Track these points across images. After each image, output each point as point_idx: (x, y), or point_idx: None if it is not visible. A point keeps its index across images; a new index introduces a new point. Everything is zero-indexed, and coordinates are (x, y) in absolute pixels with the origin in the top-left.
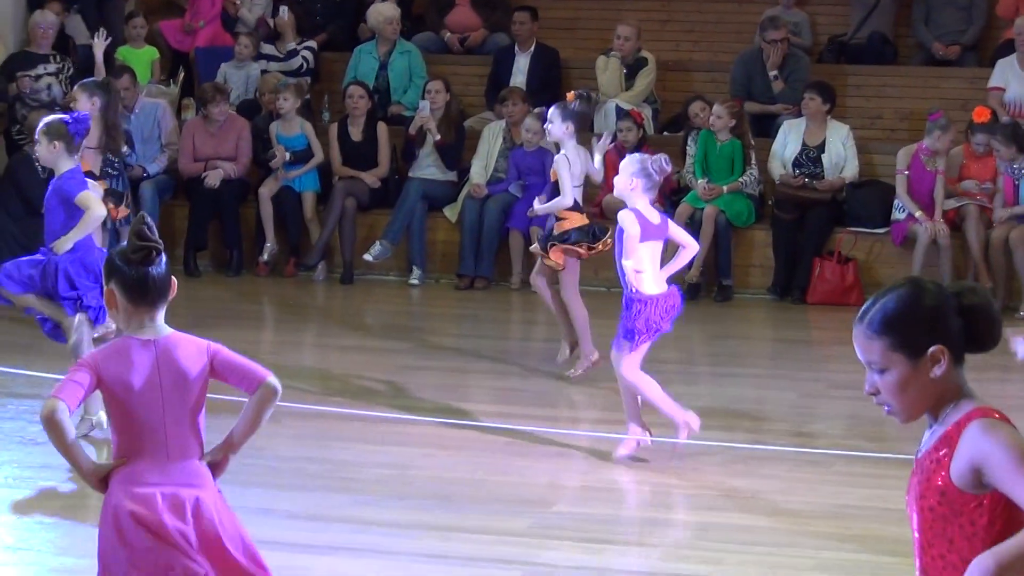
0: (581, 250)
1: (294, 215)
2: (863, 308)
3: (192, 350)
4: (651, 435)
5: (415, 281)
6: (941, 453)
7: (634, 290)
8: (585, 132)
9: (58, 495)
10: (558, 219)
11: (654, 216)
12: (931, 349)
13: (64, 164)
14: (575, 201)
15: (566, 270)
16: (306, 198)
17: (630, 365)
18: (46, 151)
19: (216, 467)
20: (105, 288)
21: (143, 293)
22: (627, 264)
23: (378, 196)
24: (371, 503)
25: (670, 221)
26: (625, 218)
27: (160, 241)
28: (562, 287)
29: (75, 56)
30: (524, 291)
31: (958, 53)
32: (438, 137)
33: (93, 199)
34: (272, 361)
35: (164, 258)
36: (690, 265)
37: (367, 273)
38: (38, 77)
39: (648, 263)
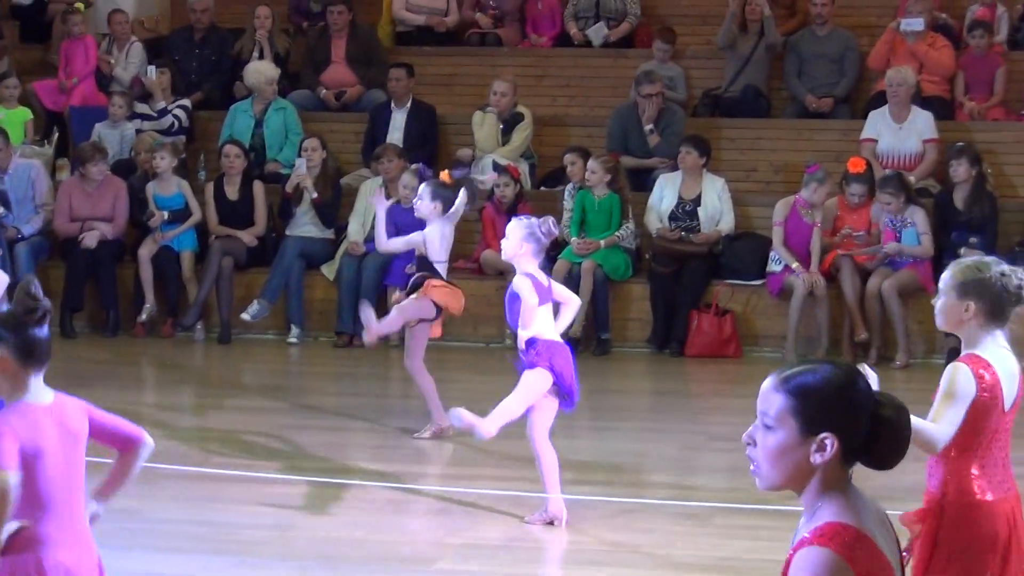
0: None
1: (172, 275)
2: (790, 365)
3: (76, 412)
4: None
5: (294, 339)
6: (783, 569)
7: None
8: (471, 205)
9: None
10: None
11: (543, 278)
12: (823, 434)
13: None
14: (441, 276)
15: (415, 335)
16: (184, 257)
17: (540, 429)
18: None
19: (93, 520)
20: None
21: (34, 355)
22: (524, 334)
23: (255, 254)
24: (253, 565)
25: (552, 281)
26: (522, 286)
27: (48, 302)
28: (406, 354)
29: None
30: (403, 348)
31: (831, 105)
32: (315, 195)
33: None
34: (151, 421)
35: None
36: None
37: (245, 332)
38: None
39: (544, 324)
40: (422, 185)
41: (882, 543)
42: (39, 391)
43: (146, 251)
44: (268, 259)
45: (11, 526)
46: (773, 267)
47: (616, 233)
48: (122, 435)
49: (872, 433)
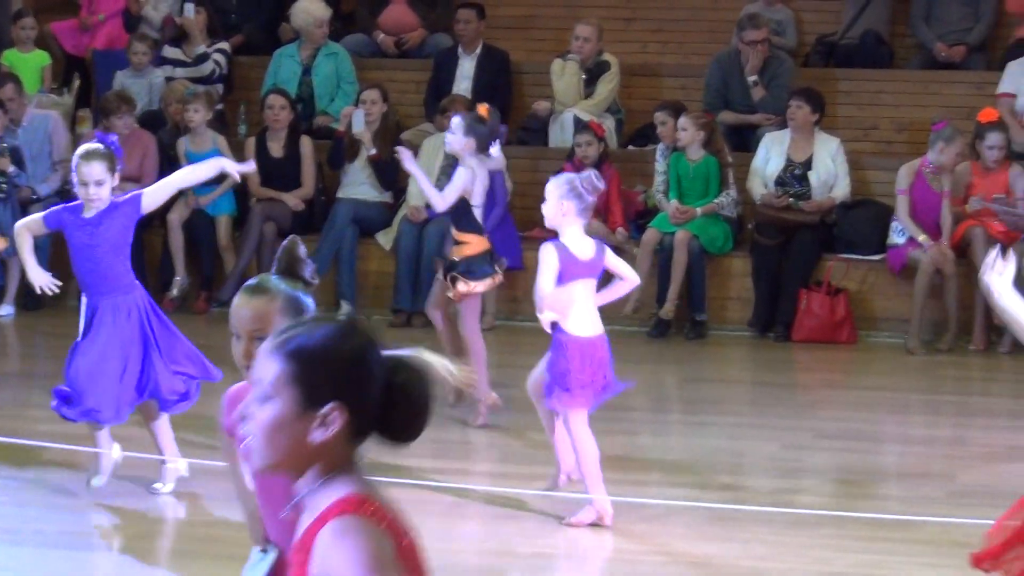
0: (482, 286)
1: (207, 243)
2: (291, 326)
3: None
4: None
5: (345, 317)
6: (299, 558)
7: (559, 332)
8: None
9: None
10: (457, 243)
11: (586, 248)
12: (327, 405)
13: None
14: (478, 223)
15: (466, 301)
16: (221, 223)
17: (577, 419)
18: None
19: None
20: None
21: None
22: (545, 317)
23: (302, 220)
24: None
25: (608, 250)
26: (543, 257)
27: (313, 282)
28: (460, 318)
29: None
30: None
31: (963, 55)
32: (373, 151)
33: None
34: (182, 412)
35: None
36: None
37: None
38: None
39: (579, 303)
40: (455, 118)
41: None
42: None
43: (177, 216)
44: (317, 225)
45: None
46: (895, 239)
47: (715, 200)
48: None
49: (387, 402)
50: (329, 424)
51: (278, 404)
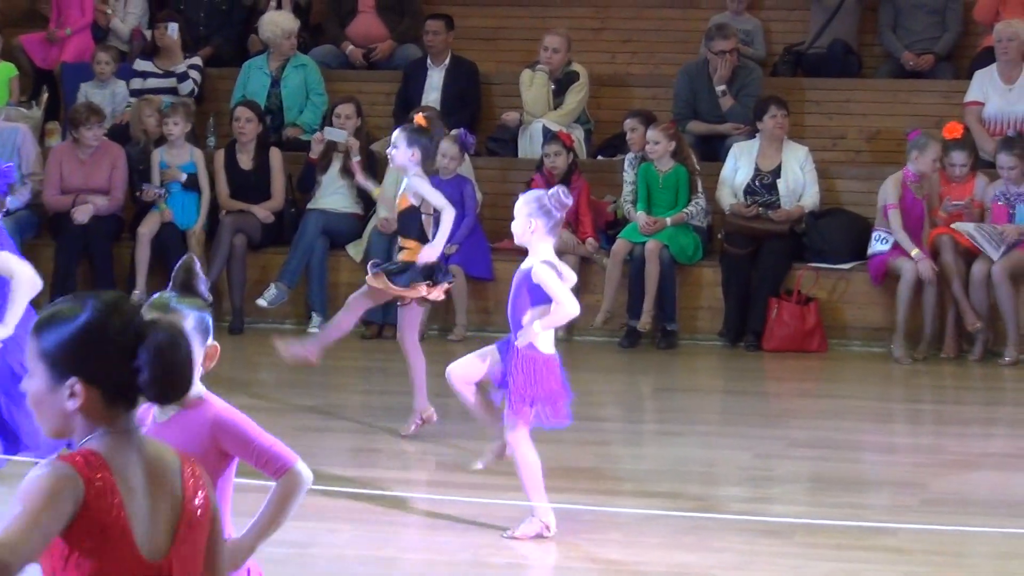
0: (417, 292)
1: (177, 256)
2: (52, 305)
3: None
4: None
5: (315, 329)
6: None
7: (526, 347)
8: (428, 163)
9: None
10: (400, 248)
11: (562, 267)
12: (70, 379)
13: None
14: (423, 232)
15: (406, 308)
16: (191, 235)
17: (522, 436)
18: None
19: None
20: None
21: None
22: (538, 328)
23: (272, 232)
24: None
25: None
26: (547, 278)
27: (208, 297)
28: (400, 328)
29: None
30: (440, 339)
31: (931, 63)
32: (358, 158)
33: (14, 260)
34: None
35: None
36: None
37: (260, 320)
38: None
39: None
40: (396, 132)
41: (127, 485)
42: None
43: (147, 230)
44: (286, 237)
45: None
46: (878, 247)
47: (685, 210)
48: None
49: (139, 368)
50: (76, 396)
51: (35, 380)
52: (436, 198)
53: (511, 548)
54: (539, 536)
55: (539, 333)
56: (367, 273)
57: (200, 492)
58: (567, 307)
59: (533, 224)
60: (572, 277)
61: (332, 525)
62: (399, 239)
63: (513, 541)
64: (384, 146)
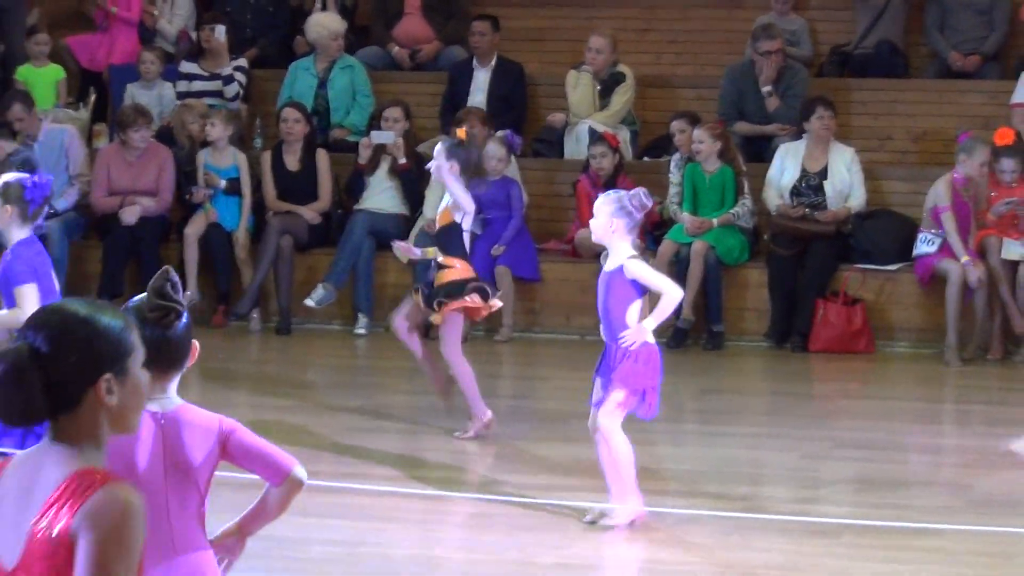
0: (479, 305)
1: (224, 257)
2: None
3: (201, 428)
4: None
5: (362, 330)
6: None
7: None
8: (466, 175)
9: None
10: (441, 267)
11: None
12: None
13: (15, 233)
14: (464, 249)
15: (447, 323)
16: (237, 237)
17: (618, 426)
18: None
19: (229, 552)
20: None
21: (154, 357)
22: (650, 324)
23: (319, 233)
24: None
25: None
26: (644, 271)
27: (183, 302)
28: (442, 343)
29: None
30: (486, 339)
31: (978, 64)
32: (403, 160)
33: (31, 300)
34: None
35: (185, 320)
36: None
37: (307, 321)
38: None
39: (635, 317)
40: (437, 145)
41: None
42: (160, 397)
43: (193, 230)
44: (333, 238)
45: None
46: (924, 249)
47: (731, 211)
48: (271, 465)
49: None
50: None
51: None
52: (464, 198)
53: (558, 548)
54: (632, 523)
55: (652, 328)
56: (425, 305)
57: (54, 513)
58: (673, 293)
59: (614, 224)
60: (673, 291)
61: (380, 525)
62: (439, 256)
63: (560, 541)
64: (430, 147)
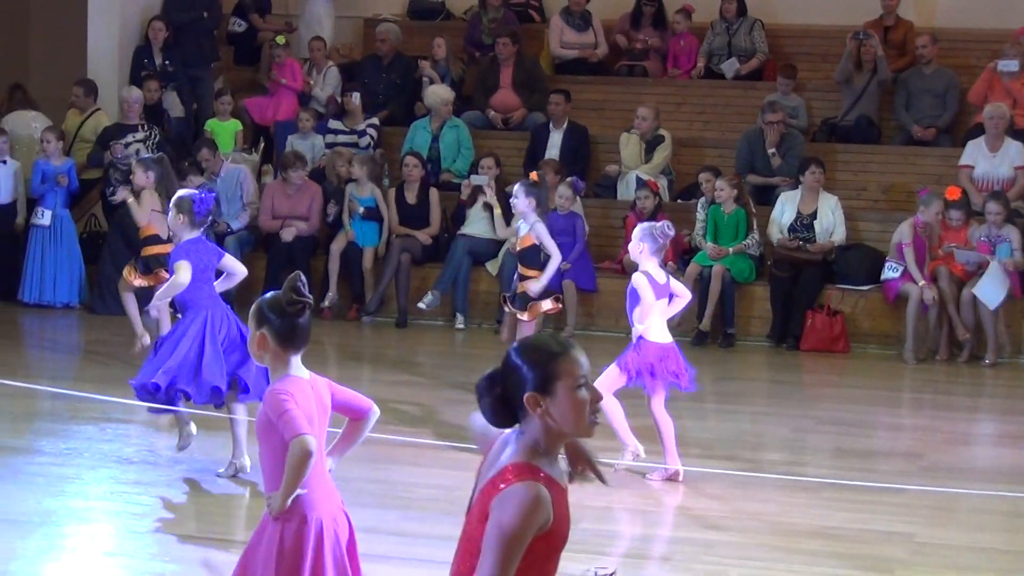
0: (558, 304)
1: (358, 267)
2: None
3: (323, 387)
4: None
5: (460, 326)
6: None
7: (637, 338)
8: (541, 208)
9: (149, 508)
10: (523, 277)
11: (660, 276)
12: None
13: (184, 235)
14: (540, 263)
15: (523, 327)
16: (367, 252)
17: (660, 402)
18: (173, 220)
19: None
20: (256, 333)
21: (293, 340)
22: (639, 328)
23: (430, 252)
24: (420, 519)
25: (670, 277)
26: (640, 283)
27: (311, 297)
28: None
29: (168, 127)
30: (560, 330)
31: (934, 135)
32: (495, 203)
33: (182, 268)
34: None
35: (309, 311)
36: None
37: (419, 319)
38: (127, 144)
39: (657, 317)
40: (516, 186)
41: None
42: (298, 368)
43: (337, 247)
44: (441, 256)
45: (299, 491)
46: (889, 274)
47: (743, 242)
48: (356, 406)
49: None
50: None
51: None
52: (551, 246)
53: (607, 494)
54: (670, 479)
55: (646, 327)
56: (512, 310)
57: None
58: (647, 304)
59: (641, 246)
60: (686, 294)
61: (472, 475)
62: (520, 267)
63: (609, 489)
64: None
